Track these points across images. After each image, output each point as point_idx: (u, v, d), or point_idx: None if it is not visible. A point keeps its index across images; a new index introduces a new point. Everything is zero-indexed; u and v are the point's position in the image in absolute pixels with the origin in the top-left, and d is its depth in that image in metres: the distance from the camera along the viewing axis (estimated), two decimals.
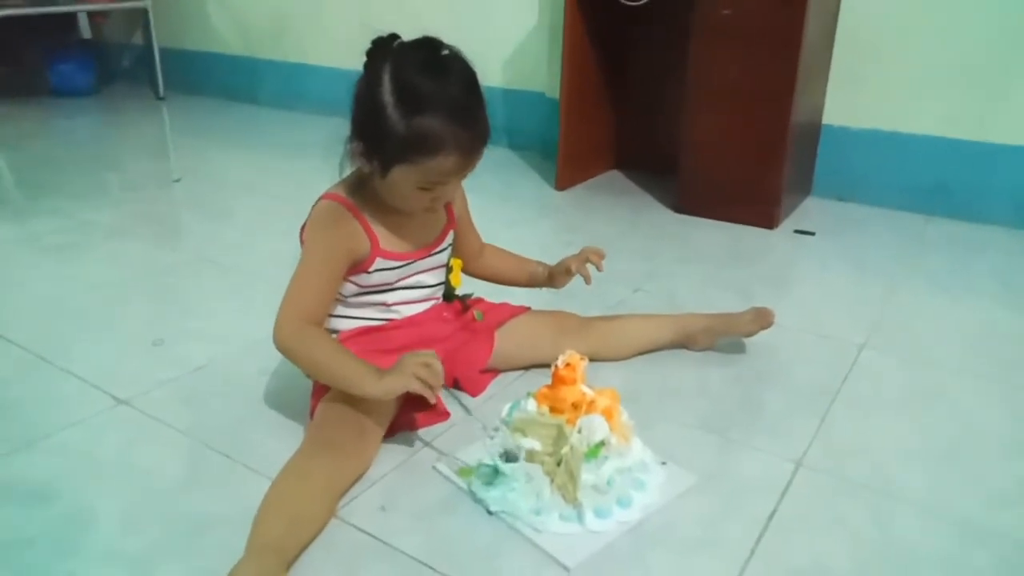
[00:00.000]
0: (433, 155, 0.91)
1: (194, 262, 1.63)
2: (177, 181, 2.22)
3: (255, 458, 0.97)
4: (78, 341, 1.27)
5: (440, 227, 1.09)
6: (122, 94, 3.33)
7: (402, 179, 0.94)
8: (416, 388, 0.90)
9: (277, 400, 1.11)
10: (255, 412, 1.08)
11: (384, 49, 0.93)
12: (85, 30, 3.10)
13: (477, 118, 0.93)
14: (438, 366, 0.90)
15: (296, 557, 0.80)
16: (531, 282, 1.22)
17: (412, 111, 0.90)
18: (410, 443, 1.01)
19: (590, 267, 1.16)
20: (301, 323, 0.96)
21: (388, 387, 0.90)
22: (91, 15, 3.08)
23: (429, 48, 0.93)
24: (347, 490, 0.91)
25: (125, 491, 0.92)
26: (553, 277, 1.19)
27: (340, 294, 1.04)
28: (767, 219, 1.86)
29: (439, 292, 1.12)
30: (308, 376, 1.02)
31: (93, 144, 2.69)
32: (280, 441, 0.96)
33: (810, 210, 2.01)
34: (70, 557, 0.82)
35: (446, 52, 0.93)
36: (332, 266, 0.99)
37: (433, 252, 1.08)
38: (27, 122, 2.86)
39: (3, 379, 1.17)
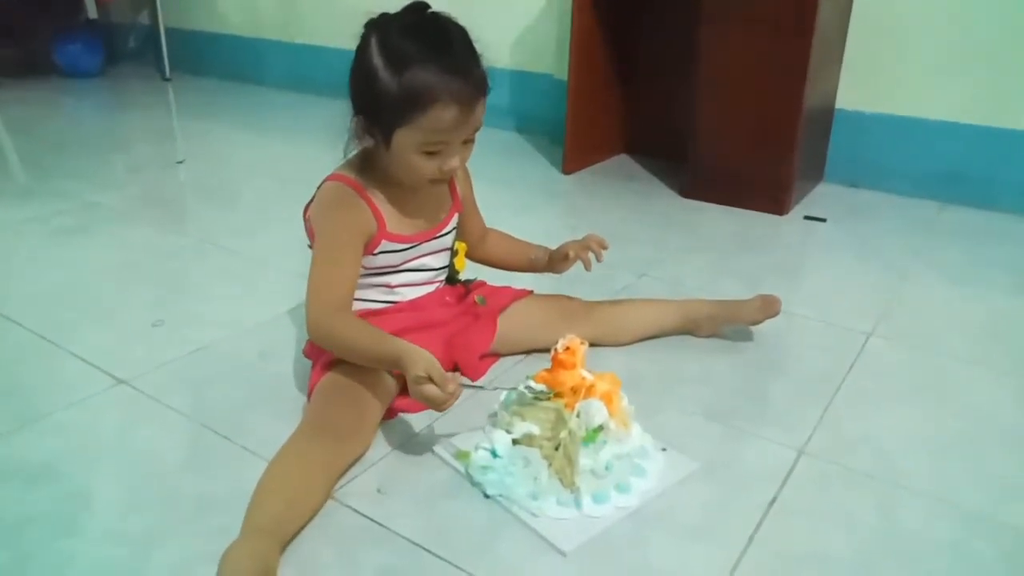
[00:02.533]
0: (429, 108, 0.89)
1: (197, 245, 1.63)
2: (180, 163, 2.21)
3: (253, 440, 0.96)
4: (80, 322, 1.27)
5: (446, 209, 1.08)
6: (128, 75, 3.32)
7: (405, 144, 0.93)
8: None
9: (276, 383, 1.10)
10: (254, 394, 1.07)
11: (373, 23, 0.94)
12: (92, 10, 3.08)
13: (470, 67, 0.92)
14: (439, 393, 0.87)
15: (292, 538, 0.80)
16: (531, 267, 1.20)
17: (402, 68, 0.89)
18: (408, 426, 1.00)
19: (590, 256, 1.12)
20: (331, 312, 0.96)
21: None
22: None
23: (413, 10, 0.93)
24: (344, 472, 0.90)
25: (124, 471, 0.92)
26: (553, 262, 1.16)
27: None
28: (777, 205, 1.84)
29: (443, 276, 1.11)
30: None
31: (99, 125, 2.69)
32: (279, 423, 0.96)
33: (821, 196, 1.98)
34: (70, 536, 0.82)
35: (431, 11, 0.93)
36: (349, 247, 0.99)
37: (438, 235, 1.06)
38: (34, 103, 2.86)
39: (6, 359, 1.17)
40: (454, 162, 0.96)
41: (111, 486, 0.90)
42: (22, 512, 0.85)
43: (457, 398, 0.89)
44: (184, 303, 1.36)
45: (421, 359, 0.87)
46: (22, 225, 1.72)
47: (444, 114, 0.90)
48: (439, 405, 0.88)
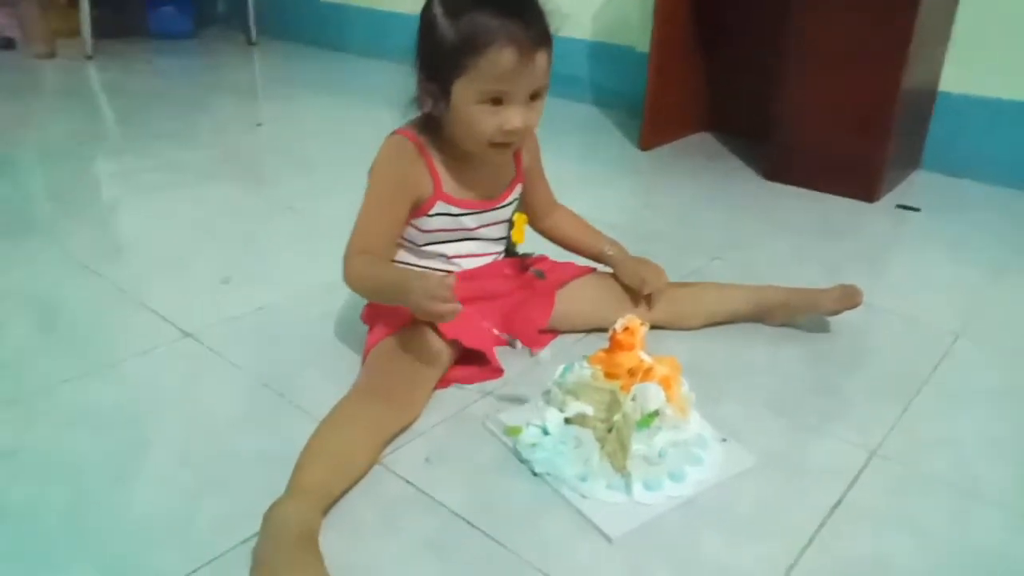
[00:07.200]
0: (484, 51, 0.87)
1: (270, 206, 1.66)
2: (260, 125, 2.26)
3: (308, 399, 0.97)
4: (154, 276, 1.31)
5: (507, 181, 1.05)
6: (217, 38, 3.41)
7: (464, 96, 0.91)
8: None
9: (335, 345, 1.11)
10: (312, 354, 1.08)
11: None
12: None
13: (530, 11, 0.90)
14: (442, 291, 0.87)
15: (336, 501, 0.80)
16: (598, 260, 1.16)
17: (459, 13, 0.88)
18: (461, 397, 0.99)
19: (646, 292, 1.10)
20: (359, 254, 0.97)
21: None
22: None
23: None
24: (393, 438, 0.90)
25: (183, 422, 0.95)
26: (619, 270, 1.12)
27: (407, 240, 1.03)
28: (867, 192, 1.74)
29: (500, 247, 1.09)
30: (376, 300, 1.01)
31: (186, 86, 2.77)
32: (334, 385, 0.96)
33: (916, 185, 1.86)
34: (126, 481, 0.84)
35: None
36: (394, 201, 0.98)
37: (497, 206, 1.04)
38: (127, 63, 2.96)
39: (83, 307, 1.21)
40: (516, 120, 0.92)
41: (169, 435, 0.92)
42: (85, 453, 0.88)
43: (453, 309, 0.87)
44: (252, 262, 1.38)
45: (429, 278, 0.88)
46: (112, 180, 1.79)
47: (500, 57, 0.87)
48: (436, 304, 0.87)
